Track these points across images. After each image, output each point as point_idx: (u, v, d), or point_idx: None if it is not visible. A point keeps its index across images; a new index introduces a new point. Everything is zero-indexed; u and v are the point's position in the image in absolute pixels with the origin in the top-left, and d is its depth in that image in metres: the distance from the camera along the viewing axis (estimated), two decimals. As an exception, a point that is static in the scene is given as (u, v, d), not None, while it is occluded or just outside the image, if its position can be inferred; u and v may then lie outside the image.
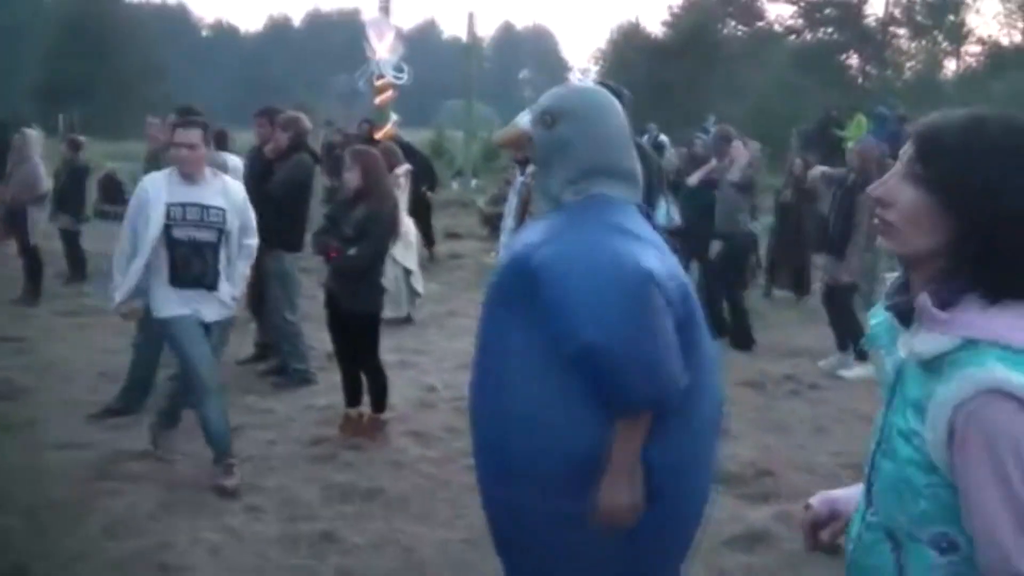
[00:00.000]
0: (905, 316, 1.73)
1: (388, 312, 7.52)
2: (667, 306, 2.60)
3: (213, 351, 5.57)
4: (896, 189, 1.71)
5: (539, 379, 2.64)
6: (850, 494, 2.00)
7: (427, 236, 14.28)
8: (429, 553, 4.73)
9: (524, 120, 3.02)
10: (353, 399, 6.37)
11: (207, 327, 5.50)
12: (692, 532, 2.95)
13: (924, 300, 1.66)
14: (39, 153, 11.17)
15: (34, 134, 11.39)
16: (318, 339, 8.03)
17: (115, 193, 17.59)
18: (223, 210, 5.49)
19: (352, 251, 6.02)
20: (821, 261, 10.38)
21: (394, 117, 17.25)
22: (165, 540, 4.69)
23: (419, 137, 20.41)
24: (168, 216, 5.35)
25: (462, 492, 5.50)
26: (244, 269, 5.75)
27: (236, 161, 7.75)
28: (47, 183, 11.11)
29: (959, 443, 1.59)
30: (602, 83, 5.66)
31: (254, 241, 5.81)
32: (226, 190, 5.60)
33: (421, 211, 14.01)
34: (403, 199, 9.67)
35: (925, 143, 1.69)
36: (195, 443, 6.11)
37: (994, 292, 1.62)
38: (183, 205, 5.40)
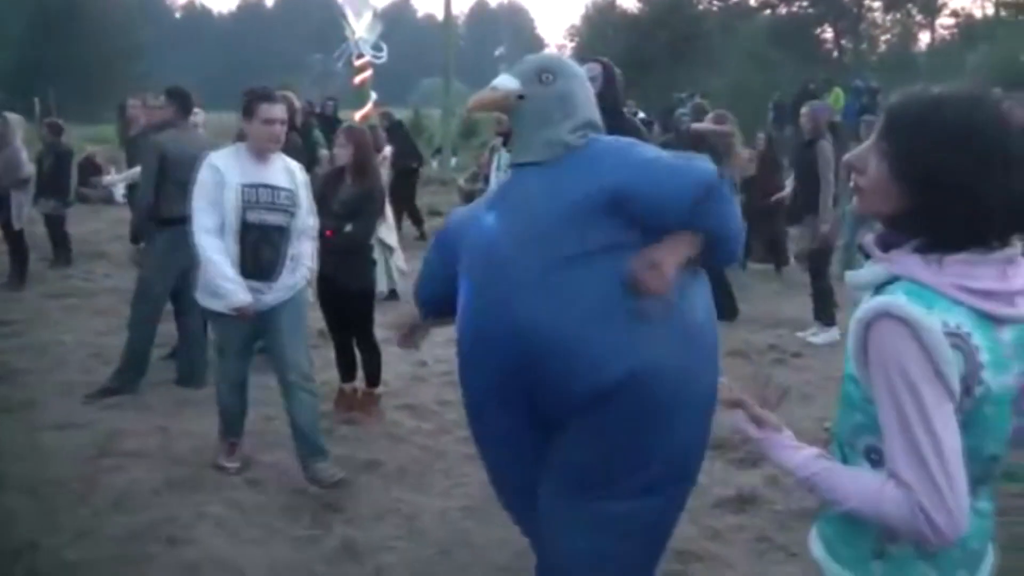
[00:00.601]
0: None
1: (375, 288, 7.60)
2: None
3: (289, 332, 5.26)
4: (866, 158, 1.93)
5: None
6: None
7: (414, 215, 14.38)
8: (429, 521, 4.85)
9: (508, 81, 3.14)
10: (348, 374, 6.47)
11: (269, 314, 5.16)
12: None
13: (869, 240, 1.94)
14: (20, 138, 11.16)
15: (16, 118, 11.39)
16: (308, 317, 8.11)
17: (95, 176, 17.64)
18: (291, 191, 5.18)
19: (348, 227, 6.08)
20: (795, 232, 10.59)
21: (373, 96, 17.28)
22: (171, 514, 4.79)
23: (396, 116, 20.42)
24: (241, 198, 5.02)
25: (458, 462, 5.64)
26: (311, 249, 5.45)
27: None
28: (30, 167, 11.10)
29: (865, 360, 1.85)
30: (597, 60, 5.76)
31: (315, 221, 5.52)
32: (288, 168, 5.28)
33: (408, 189, 14.13)
34: (385, 178, 9.80)
35: (890, 119, 1.90)
36: (193, 420, 6.24)
37: (926, 247, 1.85)
38: (255, 186, 5.07)
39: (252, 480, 5.31)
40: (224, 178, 5.04)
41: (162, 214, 6.82)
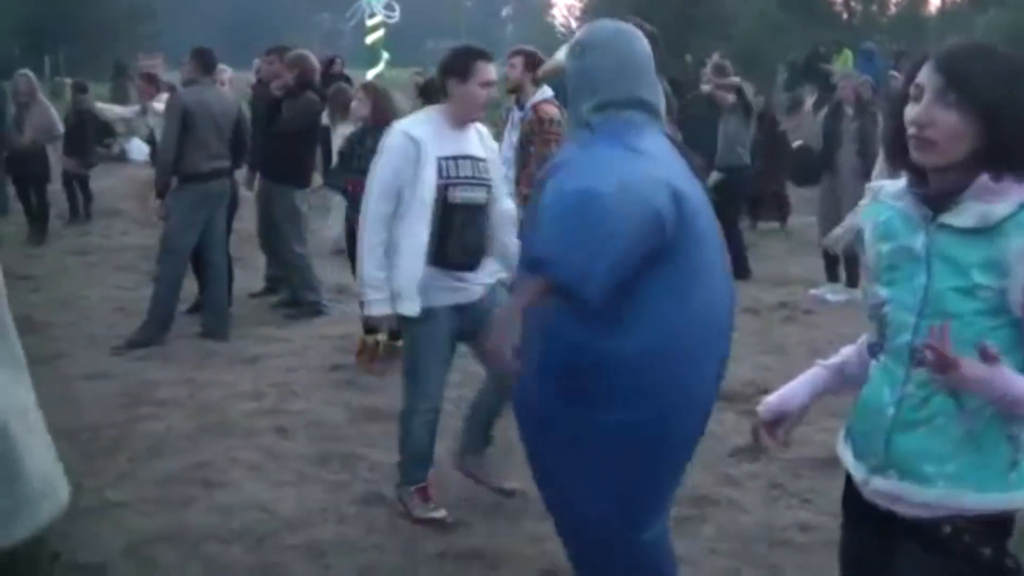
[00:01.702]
0: (936, 202, 2.12)
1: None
2: (630, 215, 2.83)
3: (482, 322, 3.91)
4: (932, 112, 2.06)
5: None
6: (790, 392, 2.43)
7: None
8: (453, 469, 5.00)
9: (559, 53, 3.28)
10: (370, 327, 6.61)
11: (476, 306, 4.33)
12: (690, 436, 3.17)
13: (985, 179, 2.05)
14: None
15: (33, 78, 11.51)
16: (325, 273, 8.31)
17: (106, 136, 17.77)
18: (487, 161, 4.41)
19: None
20: (807, 193, 10.69)
21: (385, 55, 17.34)
22: (205, 459, 4.98)
23: (406, 75, 20.48)
24: (440, 174, 4.22)
25: (480, 412, 5.79)
26: (513, 239, 4.31)
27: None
28: (60, 124, 11.26)
29: None
30: (629, 20, 5.82)
31: (511, 204, 4.68)
32: (481, 135, 4.49)
33: None
34: None
35: (953, 71, 2.05)
36: (220, 371, 6.42)
37: (1002, 174, 2.04)
38: (455, 158, 4.26)
39: (280, 428, 5.48)
40: (421, 151, 4.19)
41: (186, 170, 6.97)
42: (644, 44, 3.14)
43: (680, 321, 2.97)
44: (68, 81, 17.52)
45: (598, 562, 3.21)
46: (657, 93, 3.16)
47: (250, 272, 8.80)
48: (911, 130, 2.09)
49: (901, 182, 2.22)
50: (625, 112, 3.04)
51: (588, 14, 37.71)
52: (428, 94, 14.74)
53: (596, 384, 2.97)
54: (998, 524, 2.11)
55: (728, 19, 34.40)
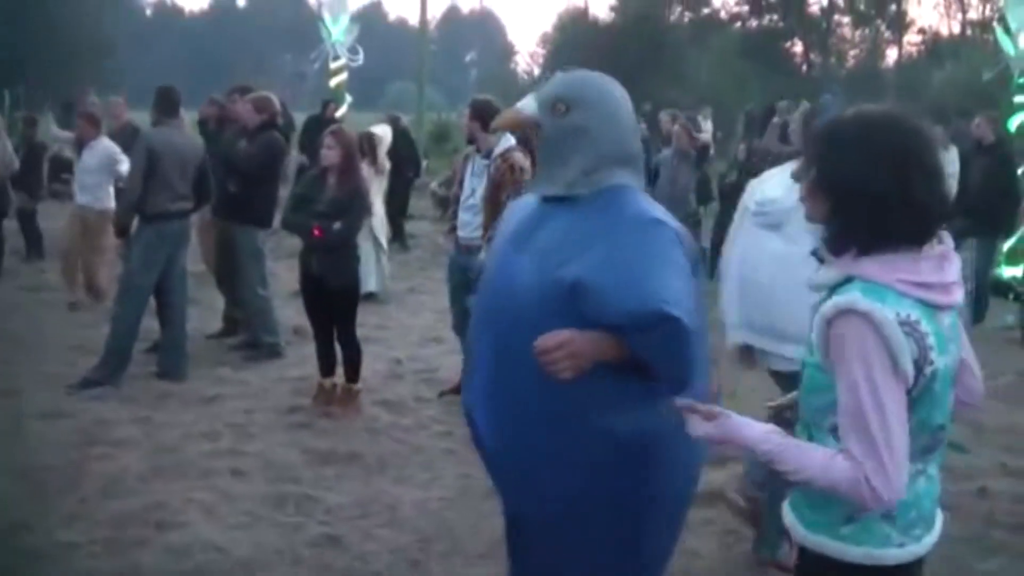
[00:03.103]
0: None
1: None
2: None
3: None
4: (805, 172, 2.27)
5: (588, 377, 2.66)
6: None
7: (397, 223, 14.60)
8: (410, 511, 5.01)
9: (529, 105, 2.94)
10: (327, 369, 6.62)
11: None
12: (684, 505, 3.08)
13: (820, 246, 2.22)
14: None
15: (-5, 113, 11.46)
16: (282, 315, 8.30)
17: (63, 172, 17.69)
18: None
19: (337, 226, 6.23)
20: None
21: (348, 99, 17.37)
22: (159, 500, 4.94)
23: (367, 120, 20.56)
24: None
25: (436, 456, 5.81)
26: None
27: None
28: (16, 160, 11.19)
29: (827, 351, 2.13)
30: (564, 70, 5.92)
31: None
32: None
33: (403, 197, 14.38)
34: (383, 182, 10.11)
35: (813, 139, 2.28)
36: (175, 412, 6.39)
37: (863, 247, 2.14)
38: None
39: (235, 469, 5.45)
40: None
41: (148, 209, 6.96)
42: (625, 94, 3.00)
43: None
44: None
45: None
46: (639, 141, 3.05)
47: (207, 312, 8.76)
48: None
49: None
50: (613, 172, 2.87)
51: (551, 61, 38.20)
52: (396, 140, 14.92)
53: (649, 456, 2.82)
54: (842, 569, 2.22)
55: (688, 67, 34.90)
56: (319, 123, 13.96)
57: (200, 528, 4.65)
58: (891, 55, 41.56)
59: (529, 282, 2.78)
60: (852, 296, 2.07)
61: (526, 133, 3.28)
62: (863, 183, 2.11)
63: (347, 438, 6.03)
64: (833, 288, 2.16)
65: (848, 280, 2.13)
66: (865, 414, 2.04)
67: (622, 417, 2.72)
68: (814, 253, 2.27)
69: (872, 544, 2.19)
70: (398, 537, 4.71)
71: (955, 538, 4.82)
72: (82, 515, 4.76)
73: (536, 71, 42.01)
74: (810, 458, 2.13)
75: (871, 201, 2.11)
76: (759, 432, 2.20)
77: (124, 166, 8.84)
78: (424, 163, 23.58)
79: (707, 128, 19.11)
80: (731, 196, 11.65)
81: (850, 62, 40.23)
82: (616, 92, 2.95)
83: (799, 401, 2.31)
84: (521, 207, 3.10)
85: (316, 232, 6.18)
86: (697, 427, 2.28)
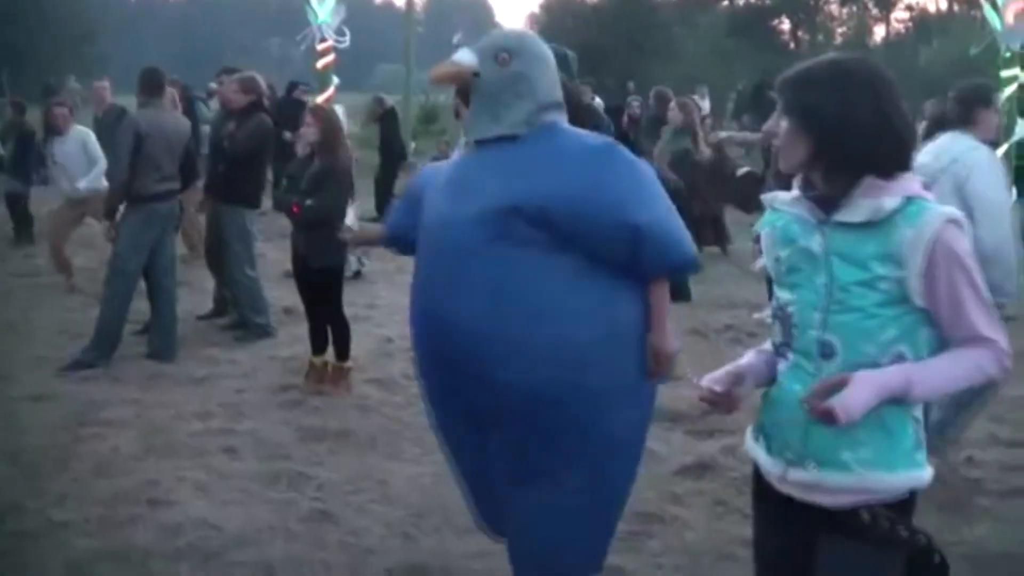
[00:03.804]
0: (828, 204, 2.29)
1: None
2: None
3: None
4: (777, 123, 2.36)
5: (565, 288, 3.04)
6: (743, 363, 2.51)
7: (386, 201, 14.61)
8: (401, 486, 5.03)
9: (466, 57, 3.15)
10: (318, 348, 6.62)
11: None
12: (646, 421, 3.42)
13: (872, 179, 2.24)
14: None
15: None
16: (273, 295, 8.31)
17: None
18: None
19: (309, 202, 6.23)
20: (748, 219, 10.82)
21: (335, 81, 17.32)
22: (151, 479, 4.95)
23: (355, 101, 20.47)
24: None
25: (427, 432, 5.72)
26: None
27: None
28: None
29: (933, 267, 2.18)
30: (549, 45, 5.94)
31: None
32: None
33: (391, 178, 14.34)
34: None
35: (783, 88, 2.33)
36: (166, 392, 6.40)
37: (883, 172, 2.24)
38: None
39: (228, 448, 5.47)
40: None
41: (136, 191, 6.95)
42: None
43: None
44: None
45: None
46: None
47: (197, 294, 8.76)
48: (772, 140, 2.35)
49: (794, 191, 2.38)
50: (552, 115, 3.20)
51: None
52: (385, 123, 14.93)
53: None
54: (908, 504, 2.29)
55: (676, 46, 34.84)
56: (285, 105, 13.91)
57: (193, 506, 4.67)
58: (879, 32, 41.59)
59: (476, 213, 3.04)
60: (943, 208, 2.24)
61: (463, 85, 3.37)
62: (846, 115, 2.22)
63: (338, 415, 6.04)
64: (884, 217, 2.21)
65: (908, 202, 2.22)
66: (984, 301, 2.22)
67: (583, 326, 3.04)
68: (815, 199, 2.31)
69: (928, 465, 2.32)
70: (390, 512, 4.73)
71: (943, 506, 4.88)
72: (74, 495, 4.78)
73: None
74: (954, 365, 2.25)
75: (857, 131, 2.21)
76: (894, 371, 2.22)
77: (96, 148, 8.93)
78: (412, 144, 23.57)
79: (704, 107, 19.09)
80: (701, 171, 11.44)
81: (838, 39, 40.17)
82: (545, 46, 3.29)
83: (842, 350, 2.26)
84: (440, 168, 3.43)
85: (294, 209, 6.19)
86: (849, 407, 2.16)
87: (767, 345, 2.52)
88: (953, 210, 2.25)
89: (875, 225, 2.21)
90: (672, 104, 10.99)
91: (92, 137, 9.37)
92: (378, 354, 7.44)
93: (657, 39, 35.63)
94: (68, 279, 9.56)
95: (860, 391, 2.15)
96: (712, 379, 2.46)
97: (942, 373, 2.24)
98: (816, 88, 2.26)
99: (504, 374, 3.02)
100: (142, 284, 7.37)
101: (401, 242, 3.58)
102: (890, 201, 2.21)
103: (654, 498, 4.80)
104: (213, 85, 9.69)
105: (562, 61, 5.79)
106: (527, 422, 3.09)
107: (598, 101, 21.28)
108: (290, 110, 12.55)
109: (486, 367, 3.03)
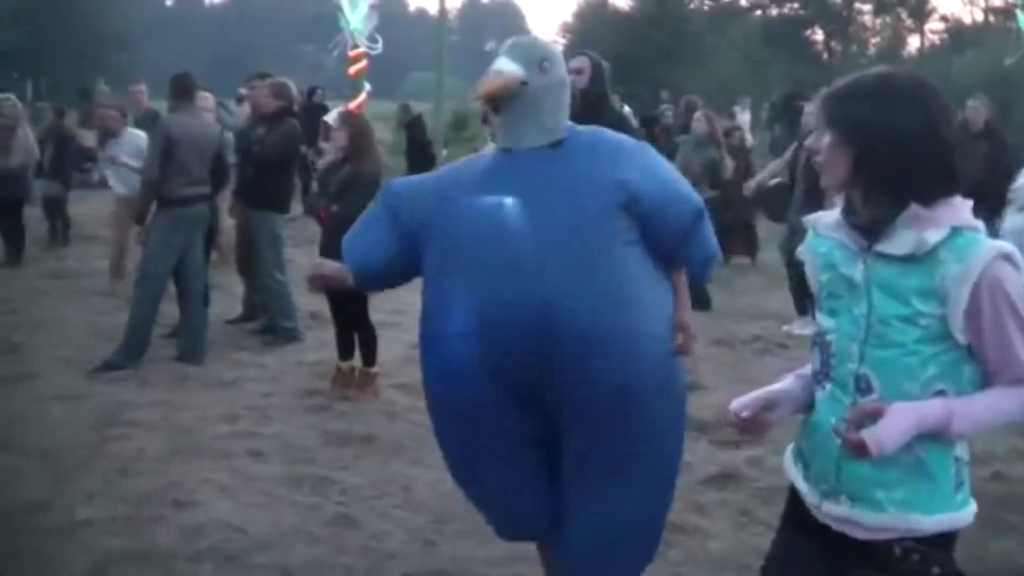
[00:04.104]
0: (870, 231, 2.18)
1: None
2: None
3: None
4: (820, 140, 2.24)
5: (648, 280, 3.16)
6: (777, 389, 2.42)
7: None
8: (425, 492, 5.03)
9: (510, 67, 3.15)
10: (345, 353, 6.65)
11: None
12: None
13: (916, 208, 2.12)
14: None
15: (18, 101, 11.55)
16: (301, 300, 8.34)
17: (85, 161, 17.79)
18: None
19: (335, 208, 6.26)
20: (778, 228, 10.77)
21: (367, 87, 17.41)
22: (176, 480, 4.98)
23: (386, 110, 20.57)
24: None
25: (452, 439, 5.82)
26: None
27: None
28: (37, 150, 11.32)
29: (979, 303, 2.08)
30: (585, 53, 5.96)
31: None
32: None
33: None
34: None
35: (826, 102, 2.24)
36: (194, 395, 6.44)
37: (924, 199, 2.13)
38: None
39: (253, 451, 5.49)
40: None
41: (166, 195, 7.01)
42: None
43: None
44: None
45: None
46: None
47: (228, 298, 8.81)
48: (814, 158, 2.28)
49: (836, 212, 2.29)
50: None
51: (570, 50, 38.17)
52: (412, 129, 15.01)
53: None
54: (945, 542, 2.19)
55: (709, 56, 34.77)
56: (308, 111, 14.02)
57: (216, 507, 4.69)
58: (912, 43, 41.33)
59: (570, 213, 3.06)
60: (993, 242, 2.11)
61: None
62: (890, 126, 2.12)
63: (364, 420, 6.06)
64: (928, 250, 2.11)
65: (954, 233, 2.11)
66: None
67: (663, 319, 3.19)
68: (857, 227, 2.22)
69: (970, 505, 2.23)
70: (413, 517, 4.74)
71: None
72: (100, 494, 4.81)
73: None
74: (999, 400, 2.15)
75: (900, 144, 2.12)
76: (934, 404, 2.11)
77: None
78: (444, 152, 23.63)
79: (744, 120, 18.98)
80: (725, 185, 11.36)
81: (871, 50, 39.98)
82: None
83: (881, 386, 2.17)
84: (466, 166, 3.39)
85: (321, 215, 6.23)
86: (882, 441, 2.05)
87: (806, 369, 2.43)
88: (1005, 244, 2.13)
89: (919, 259, 2.11)
90: (697, 115, 10.98)
91: (145, 139, 9.41)
92: (405, 360, 7.44)
93: (690, 48, 35.57)
94: (115, 283, 9.58)
95: (895, 423, 2.04)
96: (741, 404, 2.37)
97: (986, 409, 2.14)
98: (861, 99, 2.16)
99: (601, 361, 3.04)
100: (172, 288, 7.42)
101: (371, 276, 3.52)
102: (935, 234, 2.10)
103: (677, 507, 4.72)
104: (243, 91, 9.73)
105: (601, 70, 5.84)
106: (612, 412, 3.10)
107: (627, 109, 21.37)
108: (312, 115, 12.61)
109: (583, 356, 3.04)
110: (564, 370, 3.06)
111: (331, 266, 3.63)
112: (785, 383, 2.44)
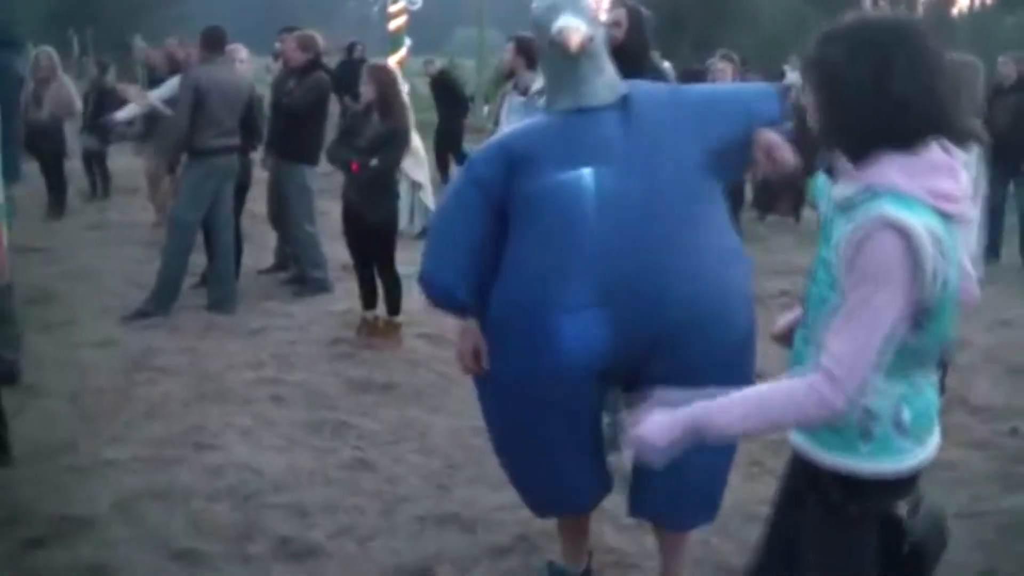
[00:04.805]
0: (832, 173, 2.23)
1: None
2: None
3: None
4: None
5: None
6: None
7: (461, 160, 14.75)
8: (440, 439, 5.13)
9: (581, 23, 3.07)
10: (369, 303, 6.74)
11: None
12: None
13: (838, 156, 2.17)
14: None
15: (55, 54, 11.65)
16: (332, 251, 8.45)
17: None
18: None
19: (374, 162, 6.33)
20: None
21: (408, 42, 17.41)
22: (199, 423, 5.12)
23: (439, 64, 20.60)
24: None
25: (471, 388, 5.88)
26: None
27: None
28: (78, 101, 11.43)
29: (850, 266, 2.06)
30: (623, 4, 5.90)
31: None
32: None
33: (456, 138, 14.44)
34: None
35: (807, 52, 2.21)
36: (221, 342, 6.57)
37: (853, 150, 2.12)
38: None
39: (276, 396, 5.62)
40: None
41: (195, 145, 7.11)
42: None
43: None
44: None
45: None
46: None
47: (260, 250, 8.93)
48: None
49: None
50: None
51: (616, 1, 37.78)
52: (440, 87, 14.99)
53: None
54: (861, 486, 2.23)
55: (754, 13, 34.29)
56: (347, 66, 14.08)
57: (236, 450, 4.82)
58: (962, 1, 40.56)
59: (629, 189, 3.03)
60: (894, 209, 2.00)
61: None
62: (841, 72, 2.08)
63: (386, 368, 6.16)
64: (851, 203, 2.11)
65: (868, 191, 2.07)
66: (869, 325, 2.03)
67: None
68: (827, 170, 2.29)
69: (891, 459, 2.21)
70: (427, 462, 4.84)
71: (983, 475, 4.85)
72: (125, 436, 4.96)
73: (602, 13, 41.61)
74: (763, 397, 2.15)
75: (848, 92, 2.08)
76: (683, 414, 2.16)
77: None
78: (485, 108, 23.54)
79: (793, 78, 18.68)
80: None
81: (919, 10, 39.24)
82: None
83: (808, 321, 2.25)
84: (541, 132, 3.23)
85: (354, 167, 6.30)
86: (650, 440, 2.17)
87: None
88: (895, 212, 2.00)
89: (843, 209, 2.15)
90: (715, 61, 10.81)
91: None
92: (428, 310, 7.53)
93: (733, 5, 35.10)
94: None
95: (653, 429, 2.17)
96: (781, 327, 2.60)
97: (746, 412, 2.13)
98: (829, 43, 2.12)
99: (700, 342, 3.08)
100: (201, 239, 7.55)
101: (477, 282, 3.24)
102: (849, 188, 2.13)
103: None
104: (278, 45, 9.80)
105: (640, 21, 5.77)
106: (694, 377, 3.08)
107: (666, 64, 21.09)
108: (352, 69, 12.64)
109: (688, 332, 3.07)
110: (668, 344, 3.07)
111: (471, 338, 3.32)
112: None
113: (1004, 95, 9.69)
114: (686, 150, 3.10)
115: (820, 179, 2.38)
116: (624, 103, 3.14)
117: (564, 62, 3.10)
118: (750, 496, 4.56)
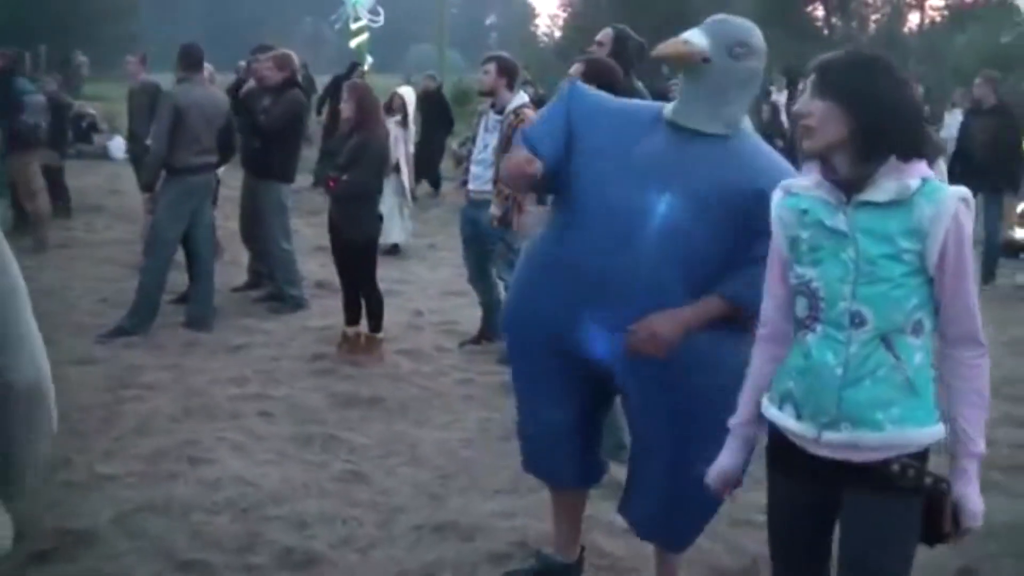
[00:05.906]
0: (850, 185, 2.47)
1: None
2: None
3: None
4: (809, 104, 2.47)
5: None
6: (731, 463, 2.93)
7: (434, 181, 15.04)
8: (430, 451, 5.22)
9: (699, 40, 3.08)
10: (352, 319, 6.81)
11: None
12: None
13: (896, 162, 2.42)
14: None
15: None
16: (306, 269, 8.53)
17: (87, 132, 17.94)
18: None
19: (344, 177, 6.44)
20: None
21: (369, 60, 17.49)
22: (191, 438, 5.16)
23: (389, 82, 20.63)
24: None
25: (456, 401, 6.02)
26: None
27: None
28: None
29: (947, 240, 2.38)
30: (613, 27, 6.01)
31: None
32: None
33: (435, 155, 14.76)
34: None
35: (822, 70, 2.48)
36: (204, 359, 6.61)
37: (905, 155, 2.44)
38: None
39: (263, 412, 5.67)
40: None
41: (174, 164, 7.16)
42: None
43: None
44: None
45: None
46: None
47: (232, 267, 8.97)
48: (800, 122, 2.49)
49: (811, 176, 2.55)
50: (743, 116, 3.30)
51: (571, 23, 38.08)
52: (433, 103, 15.16)
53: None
54: (925, 455, 2.49)
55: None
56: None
57: (230, 464, 4.87)
58: (913, 19, 41.25)
59: (685, 193, 3.08)
60: (955, 189, 2.42)
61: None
62: (897, 101, 2.45)
63: (370, 383, 6.24)
64: (905, 197, 2.40)
65: (924, 183, 2.41)
66: (971, 281, 2.45)
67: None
68: (837, 183, 2.48)
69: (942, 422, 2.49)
70: (419, 474, 4.92)
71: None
72: (118, 451, 5.00)
73: (557, 34, 41.80)
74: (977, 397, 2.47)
75: (901, 117, 2.45)
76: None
77: None
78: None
79: (780, 99, 18.85)
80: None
81: (871, 27, 39.89)
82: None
83: (871, 319, 2.42)
84: (641, 112, 3.38)
85: (331, 183, 6.41)
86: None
87: (763, 347, 2.71)
88: (964, 190, 2.42)
89: (899, 203, 2.41)
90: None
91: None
92: (409, 327, 7.64)
93: (691, 22, 35.43)
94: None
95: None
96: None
97: (983, 416, 2.48)
98: (866, 73, 2.45)
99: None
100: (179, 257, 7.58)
101: (550, 158, 3.29)
102: (914, 182, 2.41)
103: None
104: (242, 63, 9.88)
105: (623, 44, 5.85)
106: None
107: (639, 84, 21.32)
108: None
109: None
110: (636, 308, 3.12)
111: (521, 156, 3.30)
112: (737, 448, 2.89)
113: (982, 116, 10.17)
114: (727, 225, 3.11)
115: (806, 203, 2.54)
116: (725, 144, 3.15)
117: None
118: (736, 502, 4.68)
